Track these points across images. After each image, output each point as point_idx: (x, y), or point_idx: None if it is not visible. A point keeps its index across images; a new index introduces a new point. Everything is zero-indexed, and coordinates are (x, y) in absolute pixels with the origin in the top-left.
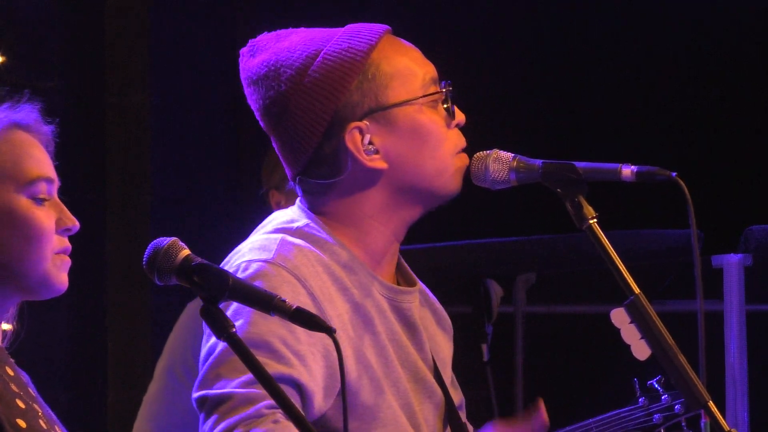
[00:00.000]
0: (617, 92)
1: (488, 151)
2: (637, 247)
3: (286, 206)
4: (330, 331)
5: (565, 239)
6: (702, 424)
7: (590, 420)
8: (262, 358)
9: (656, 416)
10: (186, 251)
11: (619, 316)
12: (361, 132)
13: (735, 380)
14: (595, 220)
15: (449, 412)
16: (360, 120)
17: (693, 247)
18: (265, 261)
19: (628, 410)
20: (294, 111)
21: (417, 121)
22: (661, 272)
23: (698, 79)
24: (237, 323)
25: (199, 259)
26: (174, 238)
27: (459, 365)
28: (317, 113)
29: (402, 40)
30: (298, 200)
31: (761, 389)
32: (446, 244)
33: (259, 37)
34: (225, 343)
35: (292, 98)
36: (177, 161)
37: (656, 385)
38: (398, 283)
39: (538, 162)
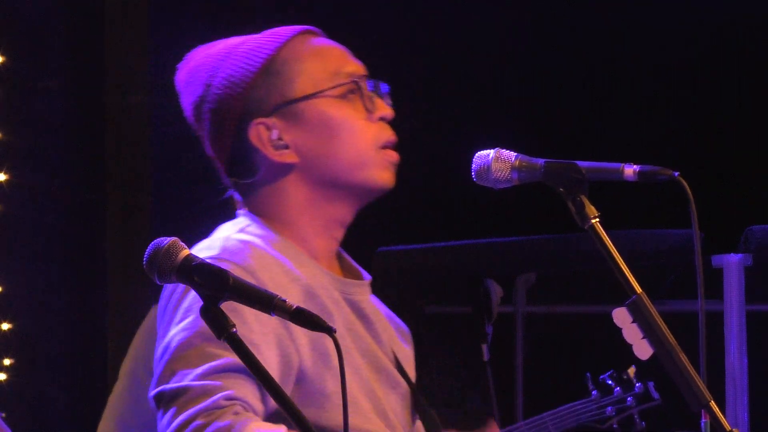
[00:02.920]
0: (619, 92)
1: (490, 150)
2: (638, 246)
3: None
4: (330, 331)
5: (565, 239)
6: (702, 424)
7: (545, 414)
8: (214, 349)
9: (609, 408)
10: (186, 251)
11: (621, 316)
12: (268, 128)
13: (735, 380)
14: (598, 219)
15: (417, 403)
16: (267, 116)
17: (695, 247)
18: (211, 257)
19: (582, 403)
20: (208, 111)
21: (325, 114)
22: (662, 272)
23: (699, 79)
24: (189, 318)
25: (199, 259)
26: (174, 238)
27: (459, 365)
28: (224, 111)
29: (324, 39)
30: (238, 211)
31: (761, 389)
32: (446, 244)
33: (193, 50)
34: (179, 339)
35: (205, 99)
36: (177, 161)
37: (608, 380)
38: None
39: (541, 161)
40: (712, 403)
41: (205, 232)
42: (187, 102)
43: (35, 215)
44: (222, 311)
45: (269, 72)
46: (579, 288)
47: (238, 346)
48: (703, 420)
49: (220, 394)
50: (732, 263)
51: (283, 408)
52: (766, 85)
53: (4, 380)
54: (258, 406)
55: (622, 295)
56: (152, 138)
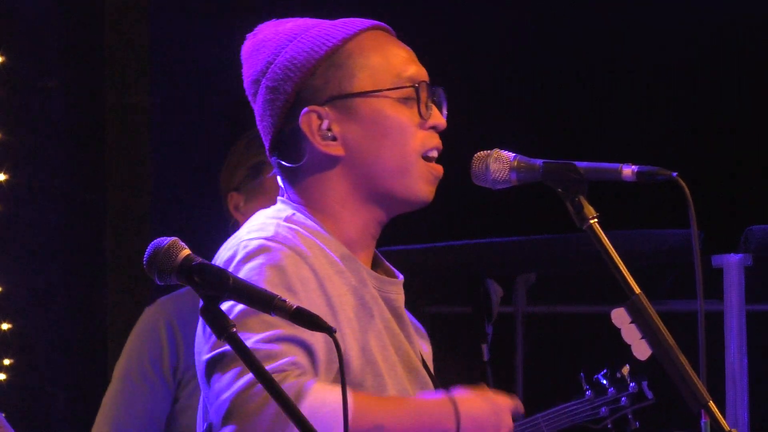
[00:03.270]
0: (619, 92)
1: (489, 151)
2: (637, 246)
3: (245, 209)
4: (330, 331)
5: (565, 239)
6: (702, 424)
7: (538, 414)
8: (273, 320)
9: (603, 409)
10: (186, 251)
11: (619, 316)
12: (320, 117)
13: (735, 380)
14: (596, 219)
15: None
16: (321, 105)
17: (693, 247)
18: (266, 238)
19: (575, 404)
20: (264, 88)
21: (379, 114)
22: (661, 272)
23: (699, 79)
24: (252, 278)
25: (199, 259)
26: (174, 238)
27: (459, 365)
28: (278, 92)
29: (393, 39)
30: (278, 197)
31: (761, 389)
32: (446, 244)
33: (264, 23)
34: (241, 308)
35: (265, 75)
36: (177, 161)
37: (602, 379)
38: None
39: (539, 162)
40: (711, 404)
41: (205, 233)
42: (247, 74)
43: (35, 215)
44: (222, 311)
45: (332, 62)
46: (579, 288)
47: (237, 346)
48: (703, 420)
49: (285, 359)
50: (732, 263)
51: (282, 407)
52: (766, 85)
53: (4, 380)
54: (313, 375)
55: (622, 295)
56: (152, 138)
